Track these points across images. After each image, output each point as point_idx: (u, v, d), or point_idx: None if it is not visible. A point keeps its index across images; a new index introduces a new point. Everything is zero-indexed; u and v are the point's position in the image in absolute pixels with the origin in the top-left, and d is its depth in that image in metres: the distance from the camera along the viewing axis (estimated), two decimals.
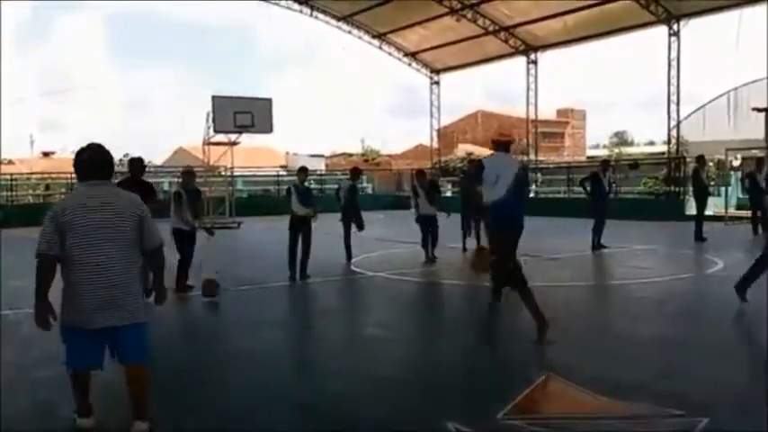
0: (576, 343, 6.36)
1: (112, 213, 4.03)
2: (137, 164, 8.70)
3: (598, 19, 24.55)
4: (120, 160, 50.02)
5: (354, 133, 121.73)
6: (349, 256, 12.34)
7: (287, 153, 55.02)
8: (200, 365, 5.95)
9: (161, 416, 4.32)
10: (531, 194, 27.22)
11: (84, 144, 4.23)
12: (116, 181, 7.71)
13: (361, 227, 12.41)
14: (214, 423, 4.51)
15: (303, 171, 11.07)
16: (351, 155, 57.72)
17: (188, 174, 9.86)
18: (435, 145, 34.68)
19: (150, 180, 12.50)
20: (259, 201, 29.43)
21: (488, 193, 6.47)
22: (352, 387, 5.22)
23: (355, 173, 13.05)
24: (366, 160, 54.16)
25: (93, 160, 4.14)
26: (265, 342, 6.84)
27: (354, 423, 4.46)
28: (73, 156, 4.34)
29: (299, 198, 10.53)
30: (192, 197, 9.47)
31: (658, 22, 23.49)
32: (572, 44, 27.69)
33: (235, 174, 26.86)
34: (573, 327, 6.95)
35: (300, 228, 10.43)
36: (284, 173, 36.73)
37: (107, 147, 4.25)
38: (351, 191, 12.57)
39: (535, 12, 25.81)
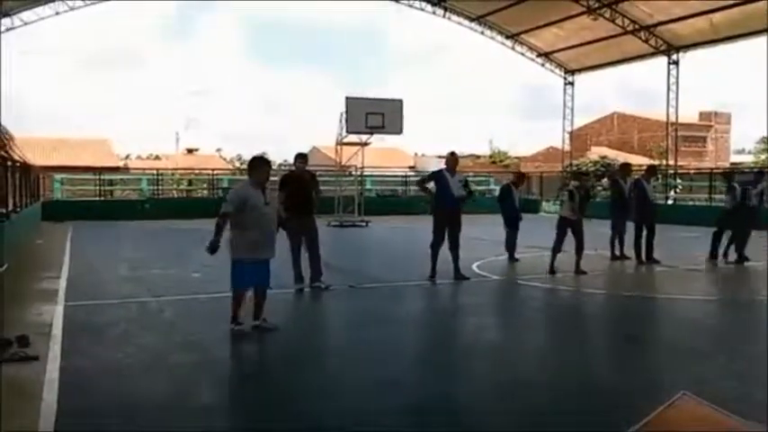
0: (712, 361, 6.07)
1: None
2: (302, 158, 10.11)
3: (746, 17, 23.06)
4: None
5: (482, 135, 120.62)
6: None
7: (415, 154, 55.66)
8: None
9: None
10: (670, 201, 25.99)
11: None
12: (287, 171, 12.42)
13: None
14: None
15: None
16: (478, 156, 57.41)
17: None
18: (567, 147, 33.84)
19: None
20: (386, 200, 29.91)
21: None
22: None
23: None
24: (494, 162, 53.67)
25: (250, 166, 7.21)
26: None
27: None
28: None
29: None
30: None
31: None
32: (717, 44, 26.17)
33: (364, 174, 27.45)
34: (707, 345, 6.62)
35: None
36: (412, 173, 37.13)
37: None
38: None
39: (678, 10, 24.66)
